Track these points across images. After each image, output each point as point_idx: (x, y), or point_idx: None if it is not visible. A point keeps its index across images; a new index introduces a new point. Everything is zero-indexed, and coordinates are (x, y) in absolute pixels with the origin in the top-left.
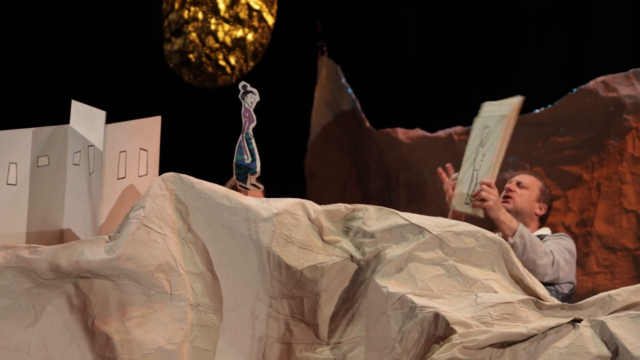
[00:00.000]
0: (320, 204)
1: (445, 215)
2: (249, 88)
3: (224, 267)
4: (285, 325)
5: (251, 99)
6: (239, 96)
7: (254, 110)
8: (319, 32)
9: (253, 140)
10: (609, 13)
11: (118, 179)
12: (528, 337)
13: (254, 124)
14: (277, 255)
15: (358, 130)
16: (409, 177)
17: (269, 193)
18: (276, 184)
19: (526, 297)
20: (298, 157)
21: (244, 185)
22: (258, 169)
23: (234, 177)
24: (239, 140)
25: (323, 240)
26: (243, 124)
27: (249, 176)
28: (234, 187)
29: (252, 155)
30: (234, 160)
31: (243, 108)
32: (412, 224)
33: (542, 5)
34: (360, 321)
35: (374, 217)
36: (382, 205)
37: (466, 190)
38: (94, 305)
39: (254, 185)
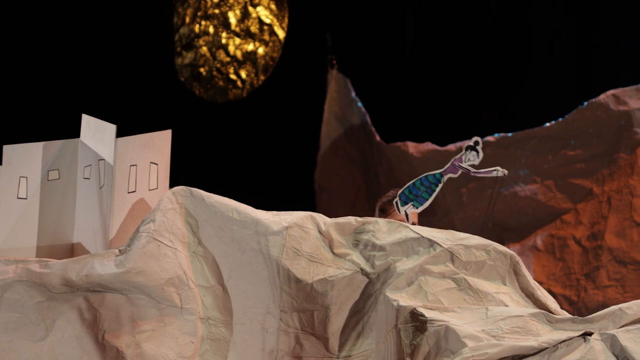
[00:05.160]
0: (330, 217)
1: (455, 229)
2: (478, 147)
3: (234, 280)
4: (296, 339)
5: (470, 157)
6: (465, 146)
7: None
8: (329, 46)
9: (440, 187)
10: (619, 26)
11: (128, 192)
12: (539, 351)
13: (454, 176)
14: (287, 268)
15: (368, 143)
16: None
17: (279, 206)
18: (286, 198)
19: (537, 310)
20: (308, 170)
21: (399, 207)
22: (422, 208)
23: (398, 192)
24: (430, 174)
25: (333, 253)
26: (447, 166)
27: (409, 205)
28: (386, 205)
29: (429, 194)
30: (412, 183)
31: (459, 156)
32: (422, 237)
33: (552, 19)
34: (371, 334)
35: (385, 230)
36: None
37: None
38: (105, 319)
39: (406, 214)
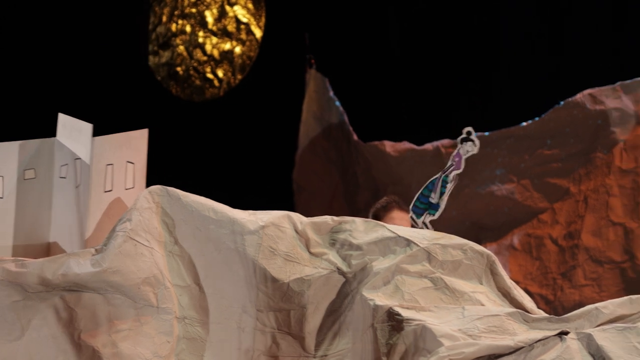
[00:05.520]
0: (308, 216)
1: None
2: (473, 137)
3: (211, 279)
4: (272, 338)
5: (468, 148)
6: (459, 139)
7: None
8: (307, 45)
9: (449, 186)
10: (595, 26)
11: (105, 191)
12: (515, 350)
13: (458, 171)
14: (264, 267)
15: (346, 143)
16: (397, 190)
17: (257, 206)
18: (264, 197)
19: (513, 309)
20: (286, 170)
21: (415, 220)
22: (438, 213)
23: (410, 207)
24: (434, 178)
25: (310, 252)
26: (448, 165)
27: (426, 214)
28: (380, 211)
29: (441, 198)
30: (420, 193)
31: (456, 152)
32: (399, 236)
33: (529, 18)
34: (347, 334)
35: (361, 230)
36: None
37: None
38: (81, 318)
39: (425, 224)
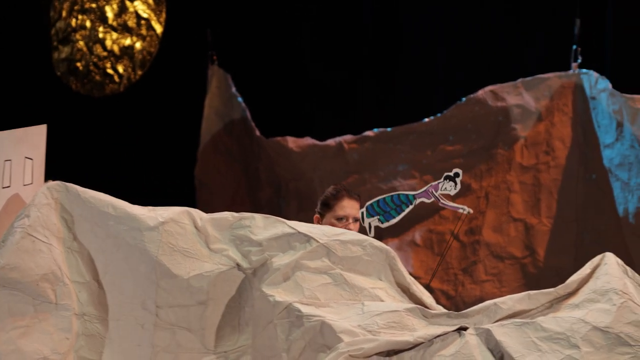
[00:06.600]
0: (210, 213)
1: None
2: (457, 179)
3: (110, 276)
4: (172, 335)
5: (447, 186)
6: (444, 175)
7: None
8: (208, 41)
9: (410, 208)
10: (497, 23)
11: (3, 187)
12: (414, 346)
13: (425, 200)
14: (163, 264)
15: (248, 139)
16: (299, 186)
17: (158, 202)
18: (166, 194)
19: (413, 305)
20: (188, 166)
21: (364, 217)
22: (387, 224)
23: (366, 205)
24: (403, 193)
25: (209, 248)
26: (423, 189)
27: (376, 218)
28: (330, 199)
29: (398, 213)
30: (382, 198)
31: (435, 183)
32: (299, 232)
33: (430, 15)
34: (247, 330)
35: (261, 226)
36: (273, 215)
37: None
38: None
39: (369, 225)
